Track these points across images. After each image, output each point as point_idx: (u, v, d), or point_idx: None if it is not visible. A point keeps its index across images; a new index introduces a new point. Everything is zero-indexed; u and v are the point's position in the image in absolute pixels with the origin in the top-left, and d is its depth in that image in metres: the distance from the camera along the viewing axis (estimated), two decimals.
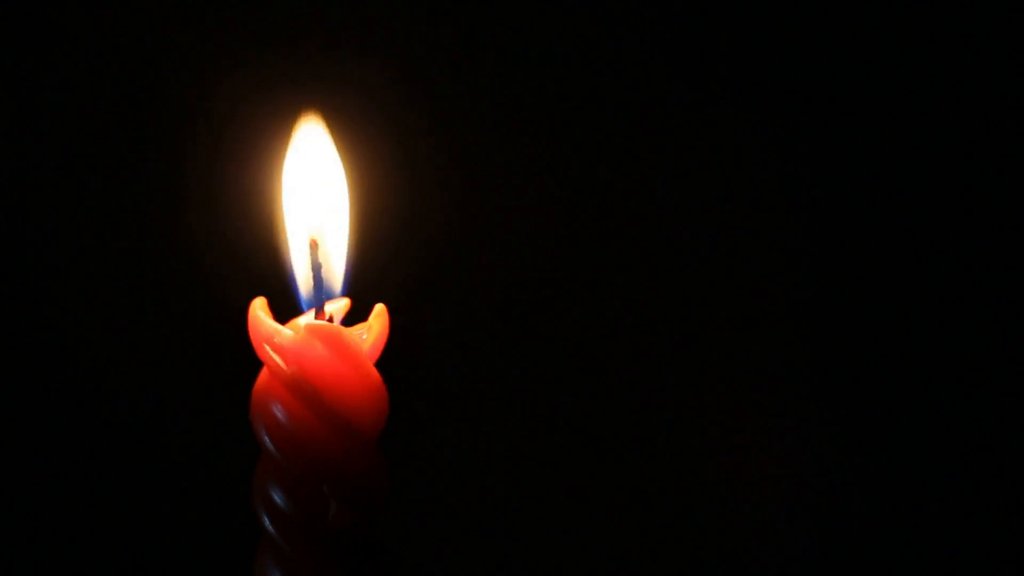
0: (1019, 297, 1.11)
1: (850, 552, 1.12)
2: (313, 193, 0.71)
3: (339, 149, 0.72)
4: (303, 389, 0.66)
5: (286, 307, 0.71)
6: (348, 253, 0.71)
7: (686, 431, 1.13)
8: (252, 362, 0.68)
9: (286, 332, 0.67)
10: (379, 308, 0.69)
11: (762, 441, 1.13)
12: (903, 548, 1.12)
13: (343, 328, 0.68)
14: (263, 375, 0.68)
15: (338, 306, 0.71)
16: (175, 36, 1.10)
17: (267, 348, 0.67)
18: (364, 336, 0.68)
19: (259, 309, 0.68)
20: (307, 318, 0.70)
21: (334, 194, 0.72)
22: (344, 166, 0.72)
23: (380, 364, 0.68)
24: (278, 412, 0.67)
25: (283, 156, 0.72)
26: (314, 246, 0.70)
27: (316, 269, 0.70)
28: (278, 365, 0.67)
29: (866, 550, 1.12)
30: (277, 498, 0.67)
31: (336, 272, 0.71)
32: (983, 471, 1.11)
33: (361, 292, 0.73)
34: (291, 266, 0.71)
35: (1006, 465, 1.11)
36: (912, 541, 1.12)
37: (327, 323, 0.68)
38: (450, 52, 1.12)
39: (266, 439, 0.67)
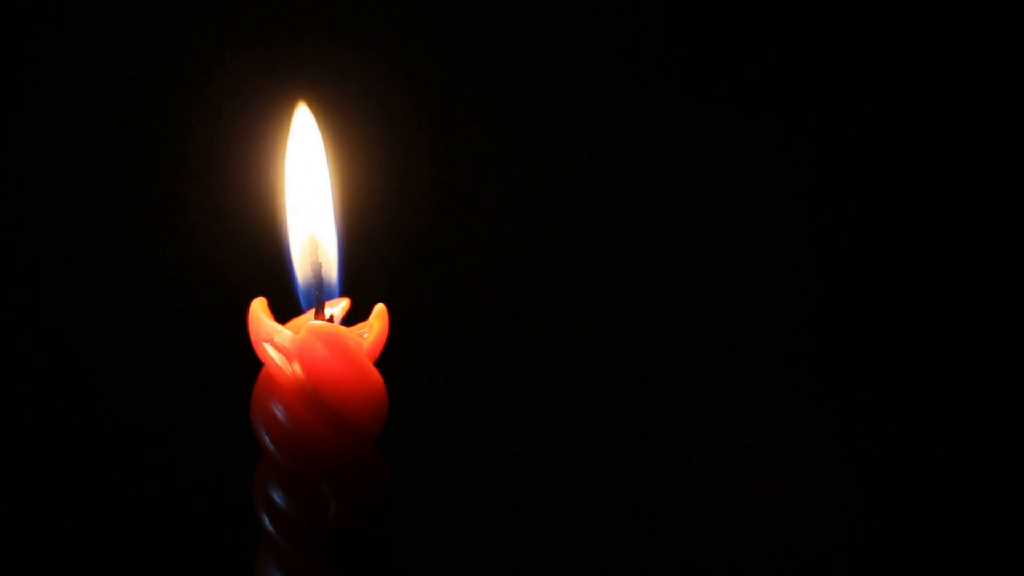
0: (1016, 295, 1.11)
1: (848, 552, 1.12)
2: (312, 192, 0.71)
3: (331, 146, 0.72)
4: (303, 389, 0.66)
5: (286, 307, 0.71)
6: (344, 252, 0.71)
7: (685, 429, 1.13)
8: (252, 362, 0.68)
9: (286, 332, 0.67)
10: (379, 308, 0.69)
11: (758, 440, 1.13)
12: (900, 548, 1.12)
13: (343, 328, 0.68)
14: (263, 375, 0.68)
15: (338, 306, 0.71)
16: (171, 29, 1.10)
17: (267, 348, 0.67)
18: (364, 336, 0.68)
19: (259, 309, 0.68)
20: (307, 318, 0.70)
21: (330, 192, 0.72)
22: (337, 163, 0.72)
23: (380, 364, 0.68)
24: (278, 412, 0.67)
25: (282, 155, 0.72)
26: (314, 245, 0.70)
27: (316, 269, 0.70)
28: (278, 365, 0.67)
29: (863, 550, 1.12)
30: (277, 498, 0.67)
31: (333, 271, 0.71)
32: (981, 470, 1.11)
33: (360, 292, 0.73)
34: (291, 266, 0.71)
35: (1003, 462, 1.11)
36: (909, 541, 1.12)
37: (327, 323, 0.68)
38: (443, 48, 1.12)
39: (266, 439, 0.67)
